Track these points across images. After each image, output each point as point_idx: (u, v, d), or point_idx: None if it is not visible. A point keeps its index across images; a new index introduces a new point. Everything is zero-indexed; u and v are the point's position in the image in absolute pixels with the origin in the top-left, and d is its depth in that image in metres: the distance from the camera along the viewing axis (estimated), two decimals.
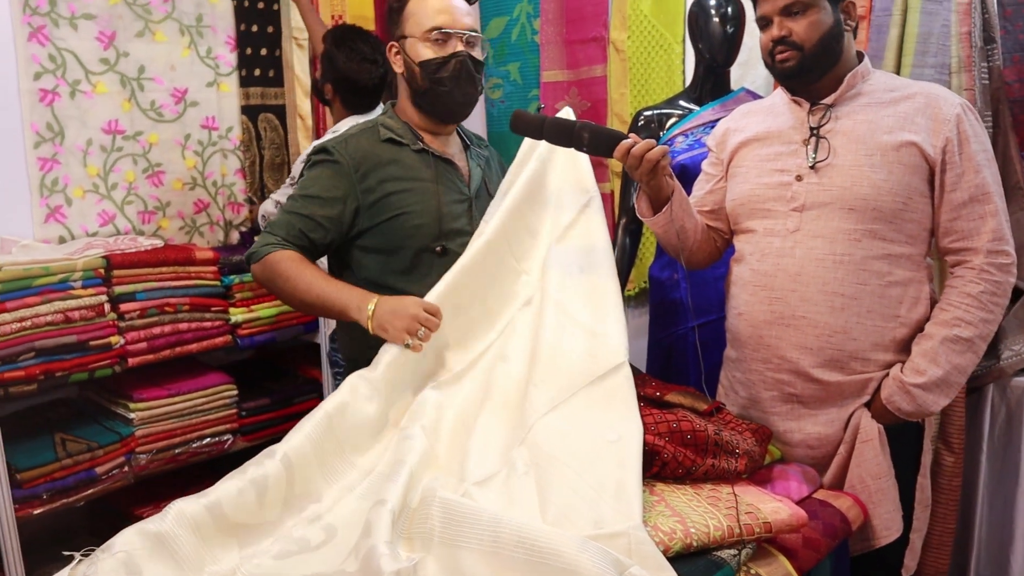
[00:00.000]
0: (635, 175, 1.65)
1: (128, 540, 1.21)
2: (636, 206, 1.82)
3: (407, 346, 1.53)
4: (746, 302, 1.82)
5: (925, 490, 1.84)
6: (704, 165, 2.02)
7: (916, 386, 1.67)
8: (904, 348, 1.72)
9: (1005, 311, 2.32)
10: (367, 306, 1.58)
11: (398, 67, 1.80)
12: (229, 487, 1.31)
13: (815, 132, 1.74)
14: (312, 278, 1.65)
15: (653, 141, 1.63)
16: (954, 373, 1.66)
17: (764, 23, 1.75)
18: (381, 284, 1.73)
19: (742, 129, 1.89)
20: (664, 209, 1.75)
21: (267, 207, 2.52)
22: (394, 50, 1.79)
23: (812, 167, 1.73)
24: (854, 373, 1.72)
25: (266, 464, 1.35)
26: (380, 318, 1.56)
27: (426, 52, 1.73)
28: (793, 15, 1.68)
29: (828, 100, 1.74)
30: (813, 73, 1.72)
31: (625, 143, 1.61)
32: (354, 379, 1.52)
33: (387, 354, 1.55)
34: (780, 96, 1.86)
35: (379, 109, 2.48)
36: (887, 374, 1.72)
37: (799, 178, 1.74)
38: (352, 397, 1.49)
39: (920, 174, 1.67)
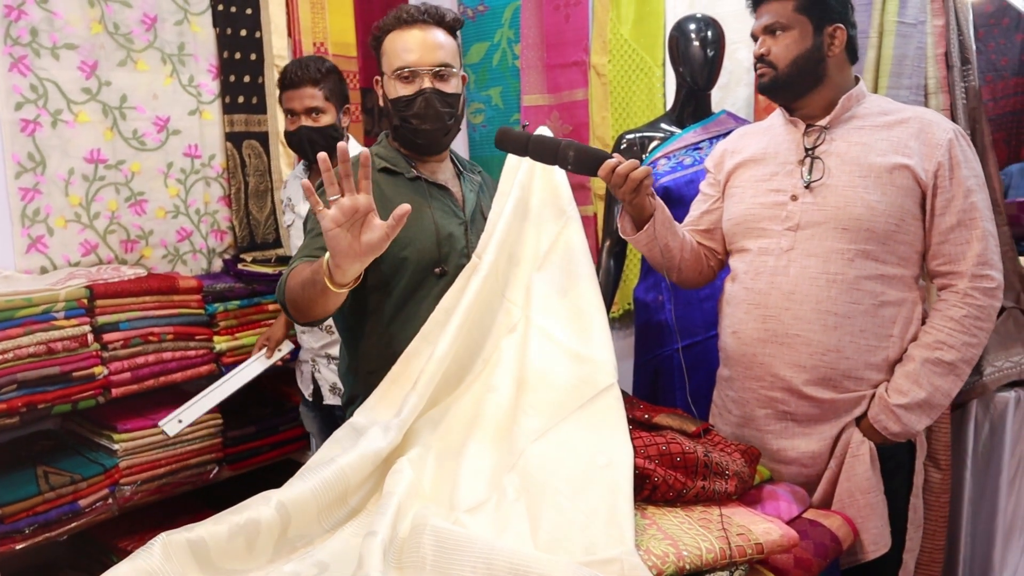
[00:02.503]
0: (619, 194, 1.67)
1: None
2: (619, 225, 1.84)
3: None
4: (740, 320, 1.84)
5: (918, 510, 1.85)
6: (702, 186, 2.05)
7: (899, 407, 1.68)
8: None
9: None
10: (323, 260, 1.48)
11: (381, 101, 1.84)
12: (219, 532, 1.27)
13: (810, 152, 1.77)
14: (305, 268, 1.57)
15: (637, 161, 1.64)
16: (937, 395, 1.68)
17: (755, 40, 1.81)
18: (382, 306, 1.73)
19: (739, 151, 1.92)
20: (646, 227, 1.76)
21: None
22: (377, 84, 1.84)
23: (807, 187, 1.75)
24: (847, 391, 1.73)
25: (261, 511, 1.31)
26: (330, 260, 1.44)
27: (397, 89, 1.76)
28: (773, 34, 1.74)
29: (823, 122, 1.77)
30: (789, 91, 1.77)
31: (610, 162, 1.62)
32: (376, 431, 1.49)
33: (409, 402, 1.52)
34: (777, 118, 1.89)
35: None
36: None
37: (794, 198, 1.76)
38: (369, 450, 1.45)
39: (913, 197, 1.69)
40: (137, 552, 1.23)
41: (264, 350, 2.51)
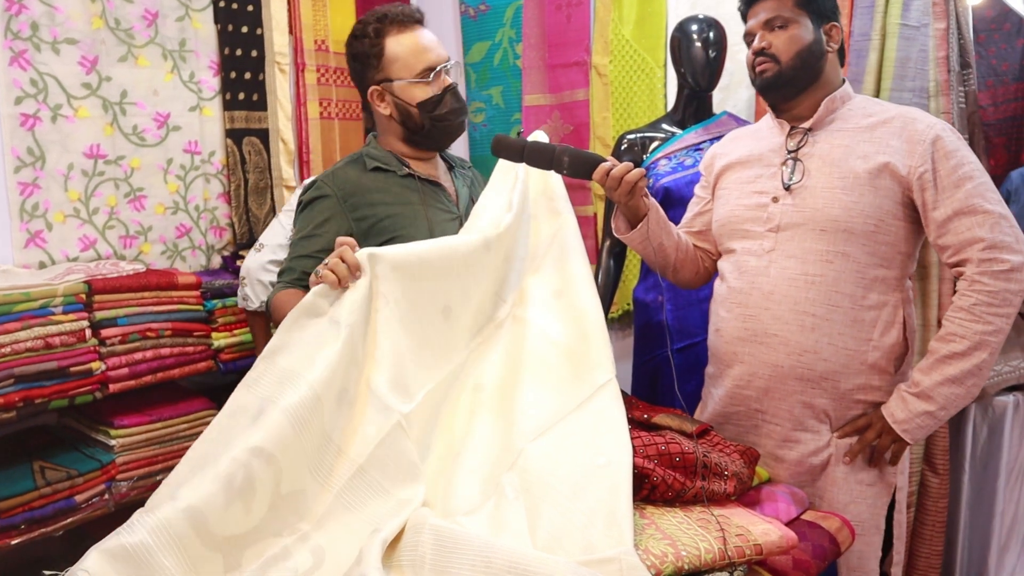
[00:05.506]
0: (614, 196, 1.69)
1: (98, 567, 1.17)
2: (613, 225, 1.85)
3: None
4: (723, 319, 1.86)
5: (902, 525, 1.86)
6: (696, 188, 2.06)
7: (914, 394, 1.67)
8: (876, 372, 1.72)
9: None
10: None
11: (386, 110, 1.80)
12: (214, 499, 1.26)
13: (792, 155, 1.78)
14: (295, 301, 1.62)
15: (631, 164, 1.66)
16: (945, 386, 1.64)
17: (749, 39, 1.81)
18: None
19: (727, 153, 1.94)
20: (640, 226, 1.77)
21: (249, 264, 2.43)
22: (377, 94, 1.80)
23: (787, 188, 1.76)
24: (824, 393, 1.74)
25: (252, 467, 1.29)
26: None
27: (421, 93, 1.76)
28: (774, 29, 1.75)
29: (807, 124, 1.78)
30: (790, 87, 1.77)
31: (604, 165, 1.64)
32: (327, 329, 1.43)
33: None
34: (765, 121, 1.91)
35: None
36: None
37: (775, 199, 1.78)
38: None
39: (892, 196, 1.68)
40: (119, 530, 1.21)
41: None
